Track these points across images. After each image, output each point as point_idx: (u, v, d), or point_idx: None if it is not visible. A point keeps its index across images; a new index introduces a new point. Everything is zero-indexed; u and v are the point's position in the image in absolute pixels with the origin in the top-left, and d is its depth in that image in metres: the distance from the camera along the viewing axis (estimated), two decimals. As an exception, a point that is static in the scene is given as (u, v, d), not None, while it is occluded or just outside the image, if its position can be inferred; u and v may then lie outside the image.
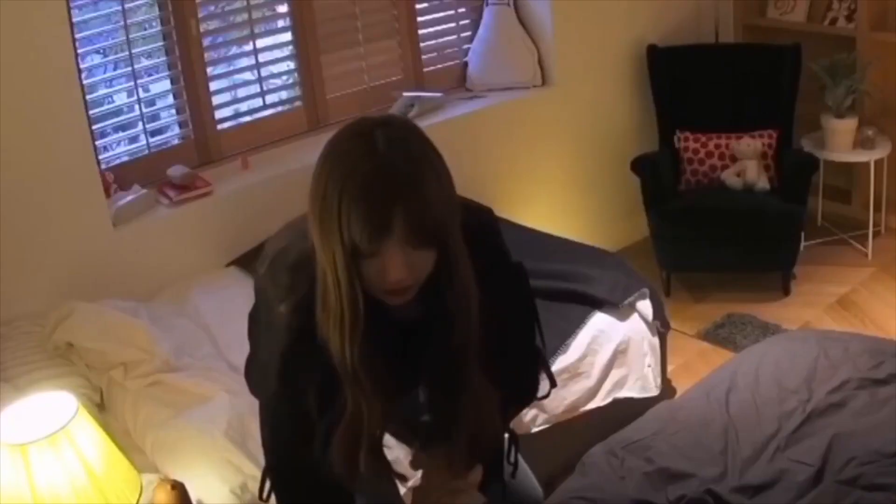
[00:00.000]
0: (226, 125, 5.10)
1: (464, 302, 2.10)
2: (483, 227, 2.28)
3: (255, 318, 2.48)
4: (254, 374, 2.50)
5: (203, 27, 4.88)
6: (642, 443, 3.47)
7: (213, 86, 5.00)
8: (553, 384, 2.66)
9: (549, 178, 6.01)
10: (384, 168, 1.92)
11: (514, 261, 2.40)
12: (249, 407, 3.56)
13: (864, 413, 3.45)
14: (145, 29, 4.78)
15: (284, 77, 5.31)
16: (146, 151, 4.84)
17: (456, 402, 2.20)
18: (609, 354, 4.25)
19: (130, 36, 4.60)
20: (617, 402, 4.29)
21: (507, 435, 2.56)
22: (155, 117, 4.91)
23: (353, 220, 1.90)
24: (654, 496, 3.19)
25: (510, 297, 2.35)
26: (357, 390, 2.09)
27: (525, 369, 2.49)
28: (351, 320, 2.00)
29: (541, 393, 2.59)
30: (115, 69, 4.70)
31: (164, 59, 4.84)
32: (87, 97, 4.44)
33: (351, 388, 2.09)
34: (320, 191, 1.97)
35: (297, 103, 5.35)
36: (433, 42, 5.84)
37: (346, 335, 2.02)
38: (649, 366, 4.42)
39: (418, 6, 5.66)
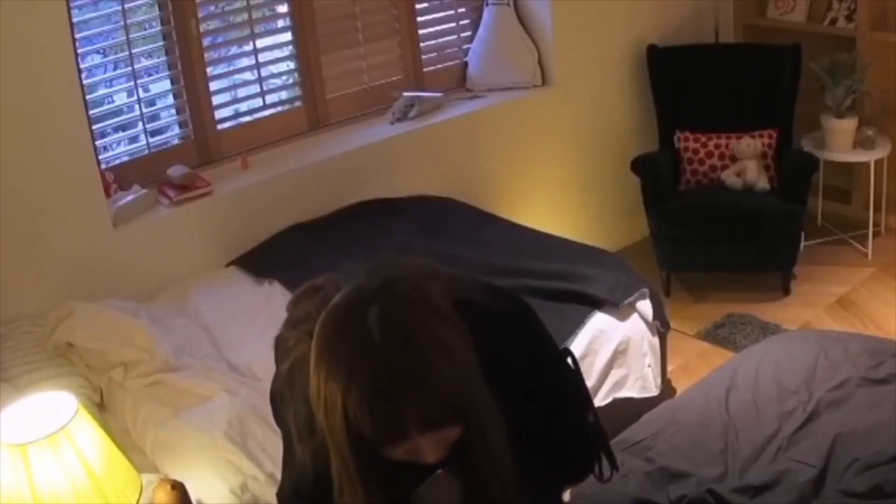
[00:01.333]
0: (226, 125, 5.10)
1: (494, 464, 1.90)
2: (517, 324, 2.14)
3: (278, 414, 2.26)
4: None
5: (203, 27, 4.88)
6: (643, 444, 3.47)
7: (213, 86, 5.00)
8: (614, 467, 2.47)
9: (549, 178, 6.01)
10: (384, 370, 1.73)
11: (561, 348, 2.35)
12: (249, 407, 3.58)
13: (864, 411, 3.44)
14: (145, 29, 4.78)
15: (284, 77, 5.31)
16: (146, 151, 4.84)
17: None
18: (609, 354, 4.25)
19: (130, 36, 4.60)
20: (617, 402, 4.28)
21: None
22: (155, 117, 4.91)
23: (365, 430, 1.75)
24: (655, 495, 3.19)
25: (558, 386, 2.25)
26: None
27: (581, 451, 2.37)
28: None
29: (604, 475, 2.44)
30: (115, 69, 4.70)
31: (164, 59, 4.84)
32: (87, 97, 4.44)
33: None
34: (321, 395, 1.78)
35: (297, 103, 5.35)
36: (433, 42, 5.84)
37: None
38: (649, 366, 4.42)
39: (418, 6, 5.66)
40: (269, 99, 5.24)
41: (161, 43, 4.81)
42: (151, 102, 4.87)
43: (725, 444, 3.39)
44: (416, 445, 1.77)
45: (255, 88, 5.18)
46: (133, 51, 4.63)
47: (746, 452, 3.32)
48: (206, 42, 4.94)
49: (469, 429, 1.82)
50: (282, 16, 5.20)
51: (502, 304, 2.14)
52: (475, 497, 1.94)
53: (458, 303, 1.88)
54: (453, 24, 5.91)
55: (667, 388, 4.63)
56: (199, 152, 5.00)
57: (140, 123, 4.78)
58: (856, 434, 3.30)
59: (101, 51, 4.71)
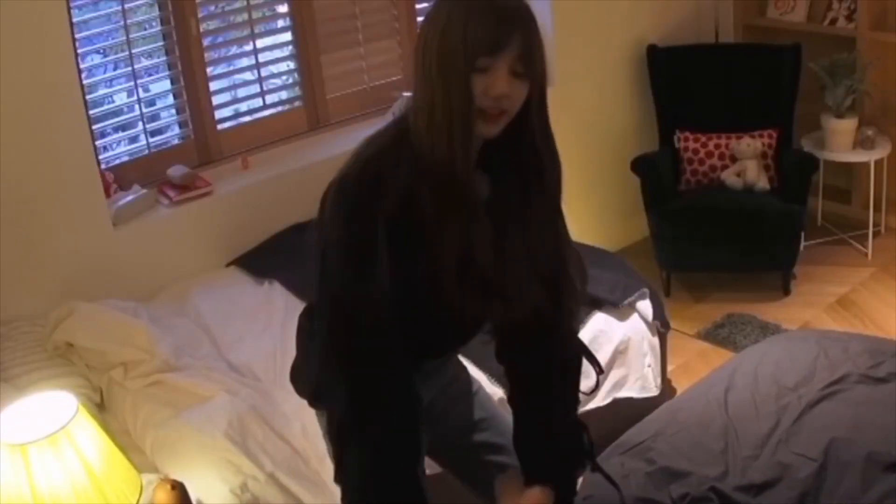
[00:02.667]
0: (226, 125, 5.10)
1: (549, 149, 2.38)
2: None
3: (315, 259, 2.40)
4: (318, 297, 2.40)
5: (203, 27, 4.88)
6: (643, 445, 3.47)
7: (213, 86, 5.00)
8: (599, 370, 2.74)
9: (549, 178, 6.00)
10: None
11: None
12: (249, 407, 3.59)
13: (862, 402, 3.44)
14: (145, 29, 4.78)
15: (284, 77, 5.31)
16: (146, 151, 4.84)
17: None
18: (609, 354, 4.25)
19: (130, 36, 4.60)
20: (617, 402, 4.28)
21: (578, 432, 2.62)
22: (155, 117, 4.91)
23: (480, 29, 2.11)
24: (657, 495, 3.19)
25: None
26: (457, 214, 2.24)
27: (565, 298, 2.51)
28: (463, 122, 2.18)
29: (586, 387, 2.70)
30: (115, 69, 4.71)
31: (164, 59, 4.84)
32: (87, 97, 4.44)
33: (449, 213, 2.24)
34: (443, 14, 2.16)
35: (297, 103, 5.35)
36: (433, 42, 5.82)
37: (458, 137, 2.18)
38: (649, 366, 4.42)
39: (418, 6, 5.65)
40: (269, 99, 5.24)
41: (161, 43, 4.81)
42: (151, 102, 4.87)
43: (726, 444, 3.38)
44: (498, 72, 2.13)
45: (255, 88, 5.18)
46: (133, 51, 4.63)
47: (747, 451, 3.32)
48: (206, 42, 4.94)
49: (532, 98, 2.22)
50: (282, 16, 5.20)
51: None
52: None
53: None
54: (453, 24, 5.89)
55: (667, 388, 4.63)
56: (199, 152, 5.00)
57: (140, 123, 4.78)
58: (855, 427, 3.30)
59: (101, 51, 4.71)
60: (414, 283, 2.28)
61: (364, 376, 2.28)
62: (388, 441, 2.30)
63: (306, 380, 2.67)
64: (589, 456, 2.63)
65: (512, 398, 2.63)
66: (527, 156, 2.32)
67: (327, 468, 3.50)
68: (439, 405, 2.72)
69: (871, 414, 3.37)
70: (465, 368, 2.92)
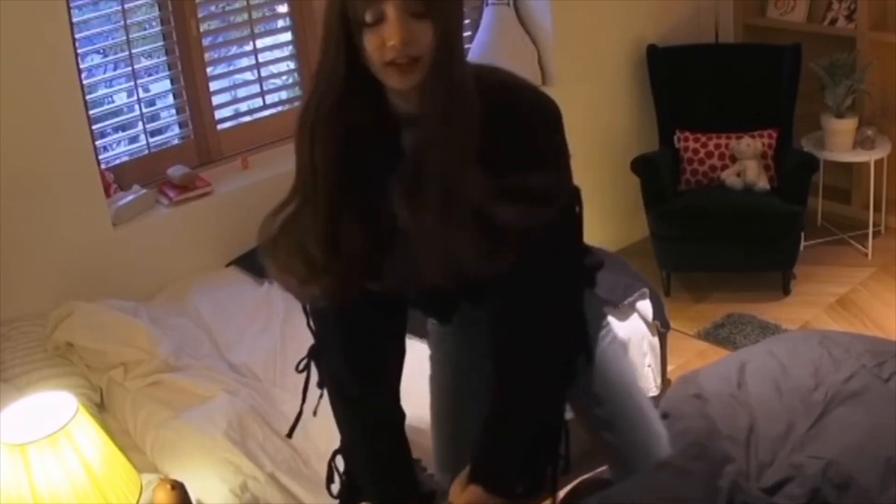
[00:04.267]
0: (226, 125, 5.10)
1: (447, 103, 2.08)
2: (535, 109, 2.32)
3: None
4: None
5: (203, 27, 4.88)
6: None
7: (213, 86, 5.00)
8: (589, 359, 2.59)
9: (549, 178, 6.00)
10: None
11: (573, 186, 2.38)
12: (249, 407, 3.59)
13: (876, 406, 3.41)
14: (145, 29, 4.78)
15: (284, 77, 5.31)
16: (146, 151, 4.84)
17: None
18: (609, 354, 4.24)
19: (130, 36, 4.61)
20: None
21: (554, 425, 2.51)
22: (155, 117, 4.92)
23: None
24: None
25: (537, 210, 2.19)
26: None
27: (554, 324, 2.36)
28: (325, 83, 2.13)
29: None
30: (115, 69, 4.71)
31: (164, 59, 4.84)
32: (87, 97, 4.45)
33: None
34: None
35: (298, 103, 5.34)
36: (433, 42, 5.82)
37: (320, 89, 2.15)
38: (649, 366, 4.42)
39: (418, 6, 5.65)
40: (269, 99, 5.24)
41: (161, 43, 4.81)
42: (151, 102, 4.87)
43: (745, 447, 3.35)
44: (390, 21, 2.00)
45: (255, 88, 5.18)
46: (133, 51, 4.63)
47: (762, 456, 3.28)
48: (206, 42, 4.94)
49: (439, 38, 2.04)
50: (282, 16, 5.20)
51: (539, 95, 2.35)
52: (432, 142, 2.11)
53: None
54: (453, 24, 5.89)
55: (667, 388, 4.62)
56: (199, 152, 5.00)
57: (140, 123, 4.78)
58: (871, 433, 3.27)
59: (101, 51, 4.71)
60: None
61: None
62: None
63: None
64: (551, 461, 2.50)
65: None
66: (434, 101, 2.10)
67: (325, 467, 3.52)
68: None
69: (885, 416, 3.34)
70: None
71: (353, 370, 2.48)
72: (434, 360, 2.91)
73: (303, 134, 2.22)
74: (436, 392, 2.93)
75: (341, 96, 2.10)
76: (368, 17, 2.01)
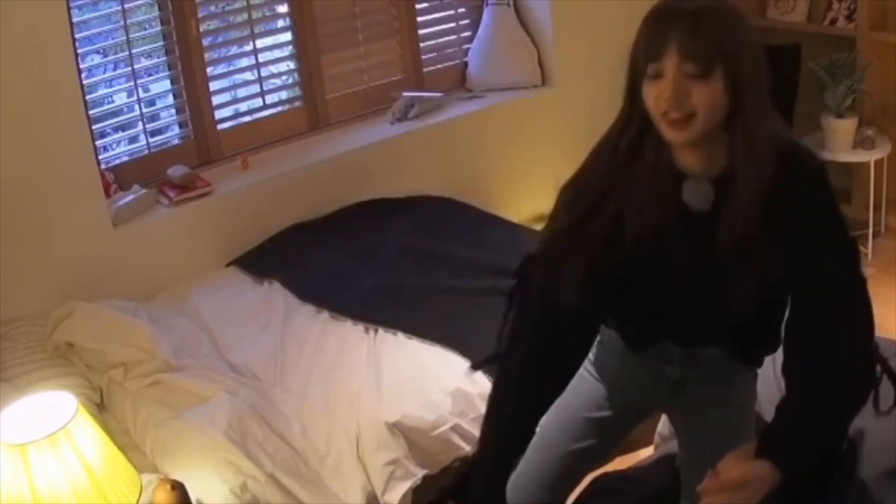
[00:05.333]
0: (226, 125, 5.10)
1: (750, 156, 2.18)
2: (806, 168, 2.27)
3: None
4: None
5: (203, 27, 4.88)
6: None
7: (213, 86, 5.00)
8: None
9: (549, 178, 5.98)
10: (673, 5, 2.17)
11: (848, 235, 2.35)
12: (249, 407, 3.59)
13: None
14: (145, 29, 4.78)
15: (284, 77, 5.31)
16: (146, 151, 4.84)
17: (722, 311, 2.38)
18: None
19: (130, 36, 4.61)
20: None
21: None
22: (155, 117, 4.91)
23: (638, 41, 2.23)
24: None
25: (821, 258, 2.28)
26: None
27: (841, 351, 2.32)
28: (616, 131, 2.44)
29: (885, 405, 2.46)
30: (115, 69, 4.71)
31: (164, 59, 4.84)
32: (87, 97, 4.45)
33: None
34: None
35: (297, 103, 5.35)
36: (433, 42, 5.83)
37: (607, 142, 2.45)
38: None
39: (418, 6, 5.66)
40: (269, 99, 5.24)
41: (161, 43, 4.81)
42: (151, 102, 4.87)
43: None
44: (665, 77, 2.16)
45: (255, 88, 5.18)
46: (133, 51, 4.63)
47: None
48: (206, 42, 4.94)
49: (732, 93, 2.15)
50: (282, 16, 5.20)
51: (804, 149, 2.31)
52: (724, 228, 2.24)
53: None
54: (453, 24, 5.90)
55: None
56: (199, 152, 5.00)
57: (140, 123, 4.78)
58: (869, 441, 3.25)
59: (101, 51, 4.71)
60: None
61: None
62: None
63: None
64: (831, 464, 2.42)
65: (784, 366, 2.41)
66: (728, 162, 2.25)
67: (327, 468, 3.53)
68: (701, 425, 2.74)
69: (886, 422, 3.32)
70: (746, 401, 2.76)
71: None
72: (591, 374, 2.82)
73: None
74: (568, 403, 2.80)
75: (633, 140, 2.34)
76: (650, 71, 2.19)
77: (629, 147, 2.35)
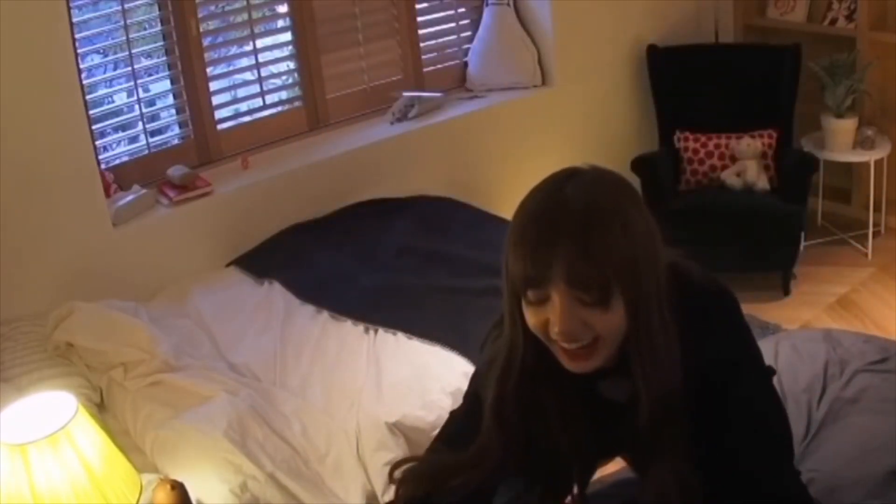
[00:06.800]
0: (226, 125, 5.10)
1: (654, 375, 1.89)
2: (719, 312, 2.10)
3: None
4: None
5: (203, 27, 4.88)
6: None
7: (213, 86, 5.01)
8: None
9: (549, 178, 6.00)
10: (553, 210, 1.83)
11: (767, 365, 2.17)
12: (249, 407, 3.59)
13: (880, 412, 3.38)
14: (145, 29, 4.78)
15: (284, 77, 5.31)
16: (146, 151, 4.84)
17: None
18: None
19: (130, 36, 4.61)
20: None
21: None
22: (155, 117, 4.92)
23: (514, 260, 1.84)
24: None
25: (758, 411, 2.04)
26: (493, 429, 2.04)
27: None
28: (505, 359, 1.98)
29: None
30: (115, 69, 4.71)
31: (163, 59, 4.84)
32: (87, 97, 4.45)
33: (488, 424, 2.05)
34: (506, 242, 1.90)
35: (297, 103, 5.35)
36: (433, 42, 5.84)
37: (498, 373, 2.00)
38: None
39: (418, 6, 5.66)
40: (269, 99, 5.24)
41: (161, 43, 4.81)
42: (151, 102, 4.87)
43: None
44: (553, 305, 1.80)
45: (255, 88, 5.18)
46: (133, 51, 4.63)
47: None
48: (205, 42, 4.94)
49: (632, 315, 1.84)
50: (282, 16, 5.20)
51: (712, 284, 2.11)
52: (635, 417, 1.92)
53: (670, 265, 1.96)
54: (453, 24, 5.91)
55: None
56: (199, 152, 5.00)
57: (140, 123, 4.78)
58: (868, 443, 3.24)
59: (101, 51, 4.71)
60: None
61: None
62: None
63: None
64: None
65: None
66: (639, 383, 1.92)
67: (327, 468, 3.53)
68: None
69: (886, 421, 3.31)
70: None
71: None
72: None
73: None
74: None
75: (525, 371, 1.97)
76: (531, 297, 1.85)
77: (526, 380, 2.00)
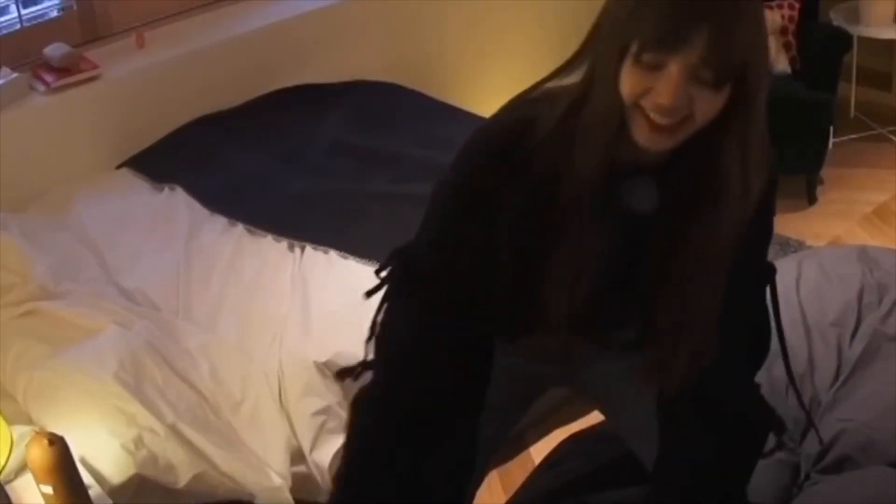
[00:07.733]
0: (116, -7, 5.06)
1: (743, 174, 2.12)
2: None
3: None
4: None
5: None
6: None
7: (100, -58, 4.96)
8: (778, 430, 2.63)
9: (520, 61, 5.99)
10: None
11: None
12: (145, 343, 3.58)
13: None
14: None
15: (188, -67, 5.27)
16: (18, 26, 4.80)
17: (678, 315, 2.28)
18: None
19: None
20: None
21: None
22: (27, -17, 4.88)
23: (648, 14, 1.97)
24: None
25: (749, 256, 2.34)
26: (579, 218, 2.21)
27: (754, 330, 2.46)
28: (604, 129, 2.10)
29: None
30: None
31: None
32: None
33: (574, 215, 2.22)
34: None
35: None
36: None
37: (592, 145, 2.13)
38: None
39: None
40: (171, -41, 5.20)
41: None
42: (22, -37, 4.83)
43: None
44: (670, 75, 1.97)
45: (154, -56, 5.14)
46: None
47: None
48: None
49: (742, 93, 2.04)
50: None
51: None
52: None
53: None
54: None
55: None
56: (84, 27, 4.96)
57: (8, -10, 4.74)
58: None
59: None
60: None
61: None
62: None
63: None
64: None
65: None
66: (705, 177, 2.16)
67: (242, 418, 3.53)
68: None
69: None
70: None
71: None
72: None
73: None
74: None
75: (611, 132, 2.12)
76: (646, 59, 1.99)
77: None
